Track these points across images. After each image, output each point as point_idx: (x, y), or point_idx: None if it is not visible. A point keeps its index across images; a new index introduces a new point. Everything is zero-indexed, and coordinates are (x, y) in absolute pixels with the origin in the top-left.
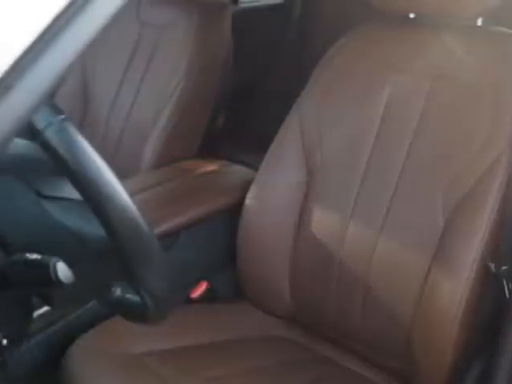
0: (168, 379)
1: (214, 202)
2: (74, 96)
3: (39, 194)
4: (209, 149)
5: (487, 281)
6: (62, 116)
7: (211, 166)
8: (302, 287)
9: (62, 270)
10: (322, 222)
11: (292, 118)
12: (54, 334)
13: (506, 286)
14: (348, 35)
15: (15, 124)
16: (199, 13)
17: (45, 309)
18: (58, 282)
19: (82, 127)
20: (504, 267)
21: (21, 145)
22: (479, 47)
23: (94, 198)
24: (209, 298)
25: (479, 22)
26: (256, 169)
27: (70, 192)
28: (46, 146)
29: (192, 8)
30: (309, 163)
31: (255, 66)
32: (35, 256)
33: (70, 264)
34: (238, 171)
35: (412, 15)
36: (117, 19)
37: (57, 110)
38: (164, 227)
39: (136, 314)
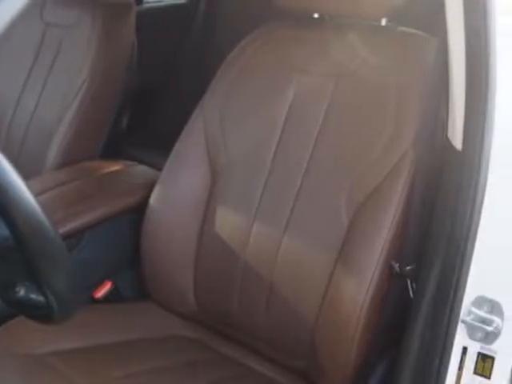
0: (72, 379)
1: (118, 202)
2: None
3: None
4: (113, 149)
5: (392, 280)
6: None
7: (115, 166)
8: (206, 287)
9: None
10: (227, 222)
11: (196, 119)
12: None
13: (410, 285)
14: (252, 35)
15: None
16: (103, 13)
17: None
18: None
19: None
20: (408, 267)
21: None
22: (383, 47)
23: None
24: (113, 297)
25: (383, 22)
26: (160, 169)
27: None
28: None
29: (96, 8)
30: (213, 163)
31: (159, 66)
32: None
33: None
34: (143, 171)
35: (316, 15)
36: (20, 19)
37: None
38: (68, 227)
39: (40, 314)
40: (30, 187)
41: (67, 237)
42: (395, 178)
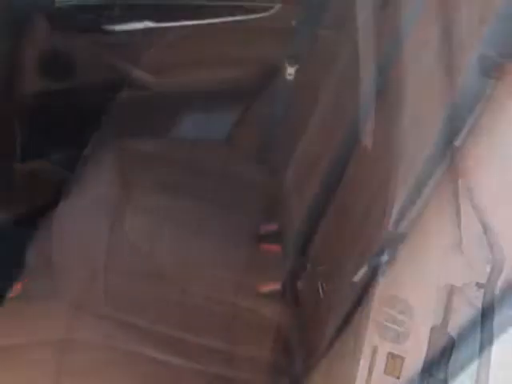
0: None
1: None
2: None
3: None
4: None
5: (303, 281)
6: None
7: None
8: (117, 289)
9: None
10: (136, 225)
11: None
12: None
13: (320, 286)
14: None
15: None
16: None
17: None
18: None
19: None
20: (320, 267)
21: None
22: None
23: None
24: None
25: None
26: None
27: None
28: None
29: None
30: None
31: None
32: None
33: None
34: (51, 173)
35: None
36: None
37: None
38: None
39: None
40: None
41: None
42: None
